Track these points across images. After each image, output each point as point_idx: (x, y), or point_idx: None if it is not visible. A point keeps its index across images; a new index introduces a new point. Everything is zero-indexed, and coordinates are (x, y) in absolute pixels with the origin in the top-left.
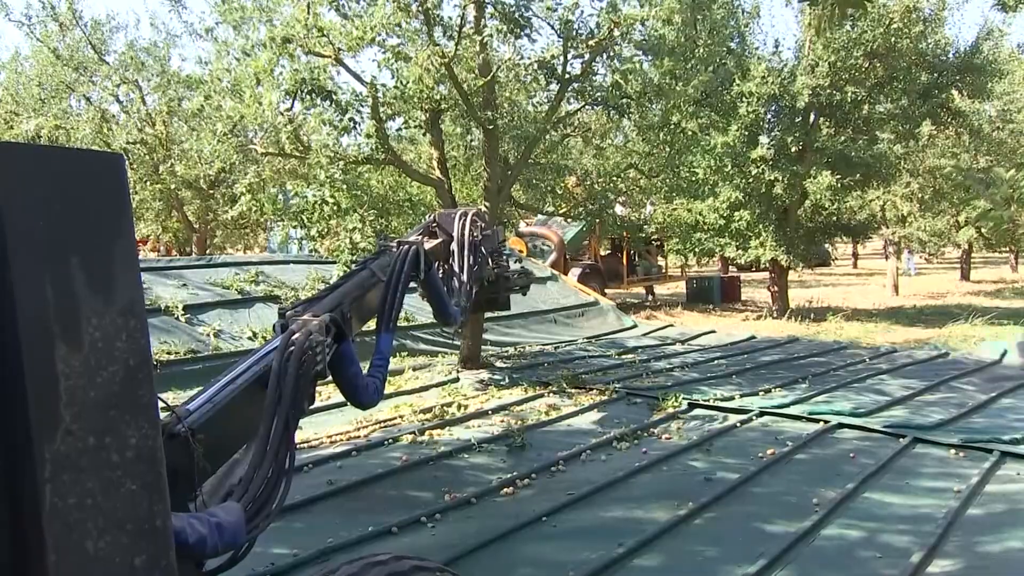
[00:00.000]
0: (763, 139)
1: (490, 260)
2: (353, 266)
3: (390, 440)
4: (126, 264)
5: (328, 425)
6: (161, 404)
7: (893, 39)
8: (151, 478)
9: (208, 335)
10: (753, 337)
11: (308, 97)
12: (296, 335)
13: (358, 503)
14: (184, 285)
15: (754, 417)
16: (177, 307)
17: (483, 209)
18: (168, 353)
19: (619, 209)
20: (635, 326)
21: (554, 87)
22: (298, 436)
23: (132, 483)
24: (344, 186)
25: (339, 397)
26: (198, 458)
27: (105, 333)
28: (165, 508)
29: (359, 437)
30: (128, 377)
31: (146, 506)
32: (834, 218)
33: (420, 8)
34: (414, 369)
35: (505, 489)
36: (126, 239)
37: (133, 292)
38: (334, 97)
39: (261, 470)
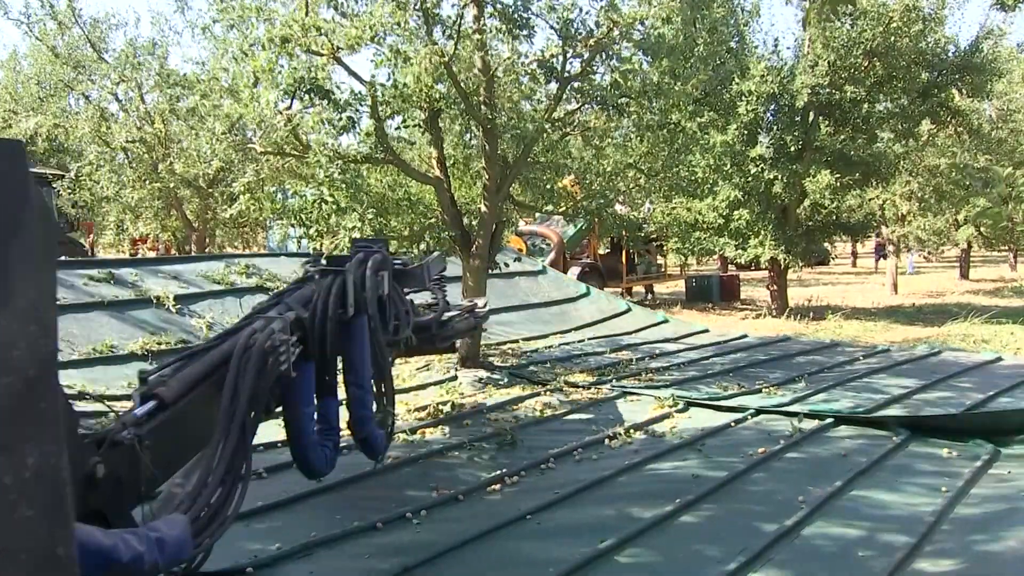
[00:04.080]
0: (762, 138)
1: (413, 306)
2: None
3: None
4: (27, 262)
5: None
6: (105, 409)
7: (892, 38)
8: (51, 501)
9: (201, 327)
10: (745, 336)
11: (307, 96)
12: (257, 333)
13: (345, 500)
14: (175, 278)
15: (749, 416)
16: (168, 298)
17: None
18: (158, 344)
19: (618, 208)
20: (629, 309)
21: (553, 86)
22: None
23: (28, 508)
24: (343, 185)
25: None
26: (145, 466)
27: None
28: (67, 534)
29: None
30: (26, 389)
31: (45, 533)
32: (833, 217)
33: (419, 7)
34: (407, 362)
35: (494, 486)
36: (27, 234)
37: (36, 294)
38: (332, 96)
39: (214, 477)
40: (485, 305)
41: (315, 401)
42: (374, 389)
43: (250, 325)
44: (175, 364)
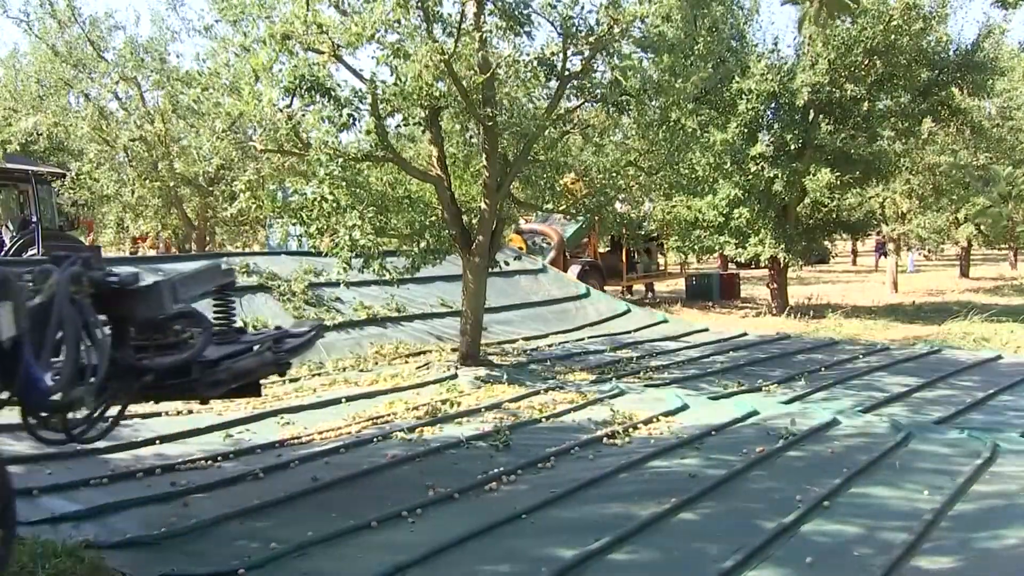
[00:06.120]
0: (763, 136)
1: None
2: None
3: (379, 437)
4: None
5: (319, 422)
6: None
7: (893, 36)
8: None
9: None
10: (745, 334)
11: (308, 94)
12: None
13: (341, 499)
14: None
15: (749, 415)
16: None
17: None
18: None
19: (619, 206)
20: (628, 311)
21: (553, 84)
22: (287, 432)
23: None
24: (343, 183)
25: (333, 393)
26: None
27: None
28: None
29: (349, 434)
30: None
31: None
32: (833, 215)
33: (419, 5)
34: (409, 359)
35: (490, 485)
36: None
37: None
38: (333, 93)
39: None
40: (309, 332)
41: None
42: None
43: None
44: None
